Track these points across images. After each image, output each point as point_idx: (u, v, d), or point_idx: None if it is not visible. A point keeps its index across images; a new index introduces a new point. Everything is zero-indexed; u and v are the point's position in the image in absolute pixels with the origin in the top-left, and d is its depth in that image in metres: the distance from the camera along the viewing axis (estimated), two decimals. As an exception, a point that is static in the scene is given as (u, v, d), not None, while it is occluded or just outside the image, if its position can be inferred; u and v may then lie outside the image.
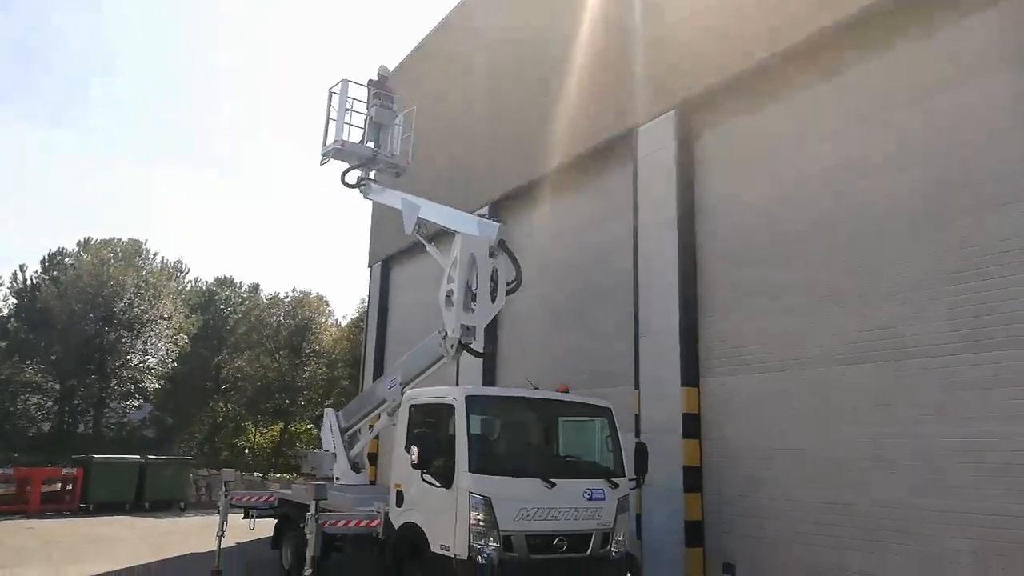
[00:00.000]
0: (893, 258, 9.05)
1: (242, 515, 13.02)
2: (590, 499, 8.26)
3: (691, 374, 11.20)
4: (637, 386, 11.85)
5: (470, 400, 8.15)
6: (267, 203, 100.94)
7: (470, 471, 7.76)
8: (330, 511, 9.19)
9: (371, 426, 12.40)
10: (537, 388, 8.99)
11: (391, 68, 15.25)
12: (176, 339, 27.40)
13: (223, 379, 33.95)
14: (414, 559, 8.36)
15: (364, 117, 14.11)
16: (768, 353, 10.42)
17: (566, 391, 9.29)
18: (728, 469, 10.64)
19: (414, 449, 7.82)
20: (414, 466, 7.88)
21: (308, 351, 31.24)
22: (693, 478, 10.84)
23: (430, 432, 7.97)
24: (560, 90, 14.72)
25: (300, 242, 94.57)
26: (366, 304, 33.13)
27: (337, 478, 12.59)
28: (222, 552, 12.03)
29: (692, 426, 11.01)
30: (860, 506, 8.93)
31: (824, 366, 9.66)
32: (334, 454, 12.90)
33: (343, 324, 34.76)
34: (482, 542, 7.58)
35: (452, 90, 19.41)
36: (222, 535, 12.08)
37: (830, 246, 9.80)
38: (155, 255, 29.51)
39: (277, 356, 31.41)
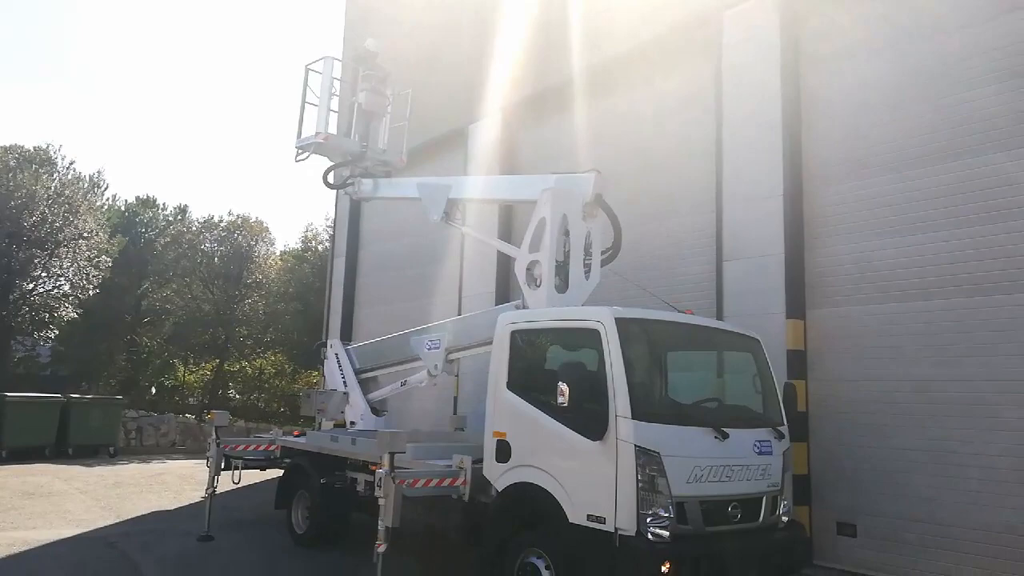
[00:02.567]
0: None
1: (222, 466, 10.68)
2: (759, 453, 6.47)
3: (796, 304, 9.48)
4: (720, 317, 10.07)
5: (622, 324, 6.10)
6: (192, 115, 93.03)
7: (633, 418, 5.77)
8: (402, 468, 7.02)
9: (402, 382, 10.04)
10: (688, 312, 7.02)
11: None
12: (97, 262, 23.75)
13: (144, 311, 30.41)
14: (534, 530, 6.39)
15: (351, 103, 11.40)
16: (893, 279, 8.80)
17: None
18: (842, 415, 9.06)
19: (562, 388, 5.73)
20: (564, 410, 5.82)
21: (249, 281, 28.08)
22: (799, 425, 9.17)
23: (581, 364, 5.90)
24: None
25: (232, 160, 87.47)
26: (321, 229, 30.35)
27: (352, 422, 10.39)
28: (207, 511, 9.70)
29: (798, 365, 9.32)
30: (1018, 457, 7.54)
31: (965, 295, 8.13)
32: (345, 394, 10.64)
33: (286, 252, 31.59)
34: (651, 511, 5.65)
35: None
36: (213, 493, 9.73)
37: (969, 152, 8.21)
38: (70, 164, 25.30)
39: (211, 287, 28.15)
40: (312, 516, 9.29)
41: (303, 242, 30.46)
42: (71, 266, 23.27)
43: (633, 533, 5.61)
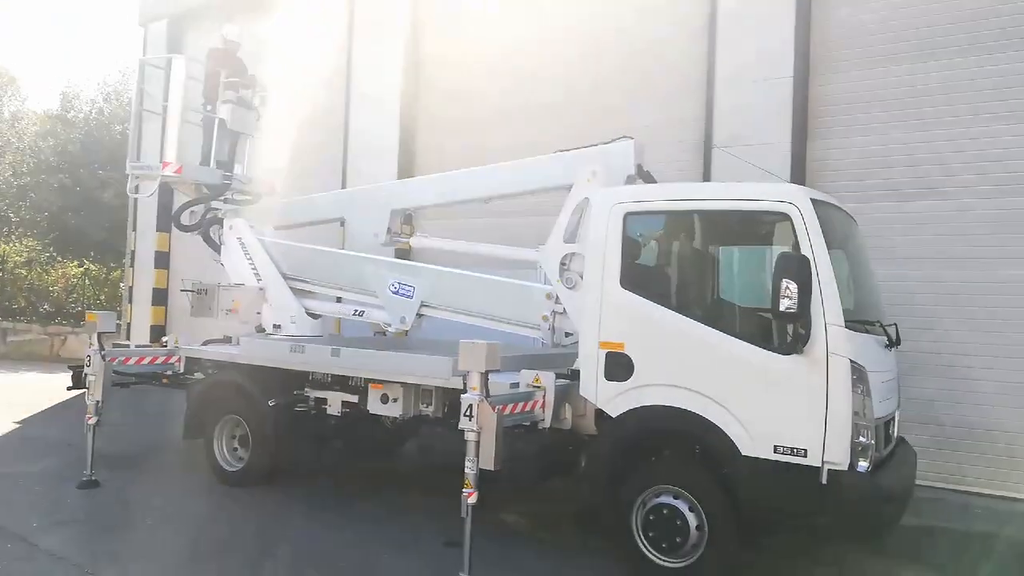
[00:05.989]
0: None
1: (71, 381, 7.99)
2: (895, 363, 5.68)
3: (801, 200, 8.81)
4: (706, 211, 9.14)
5: (820, 209, 4.82)
6: None
7: (845, 326, 4.61)
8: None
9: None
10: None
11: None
12: None
13: None
14: (665, 464, 5.12)
15: (206, 116, 8.77)
16: (898, 176, 8.42)
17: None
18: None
19: (789, 288, 4.34)
20: (782, 317, 4.44)
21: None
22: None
23: (801, 256, 4.51)
24: None
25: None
26: (82, 89, 24.17)
27: (276, 325, 8.08)
28: (90, 448, 7.08)
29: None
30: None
31: (975, 195, 7.94)
32: (261, 289, 8.25)
33: (45, 115, 25.14)
34: (860, 440, 4.62)
35: None
36: (96, 422, 7.09)
37: (999, 38, 7.86)
38: None
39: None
40: (254, 448, 7.09)
41: (63, 101, 24.52)
42: None
43: (845, 467, 4.54)
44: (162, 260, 15.37)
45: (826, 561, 5.72)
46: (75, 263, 25.74)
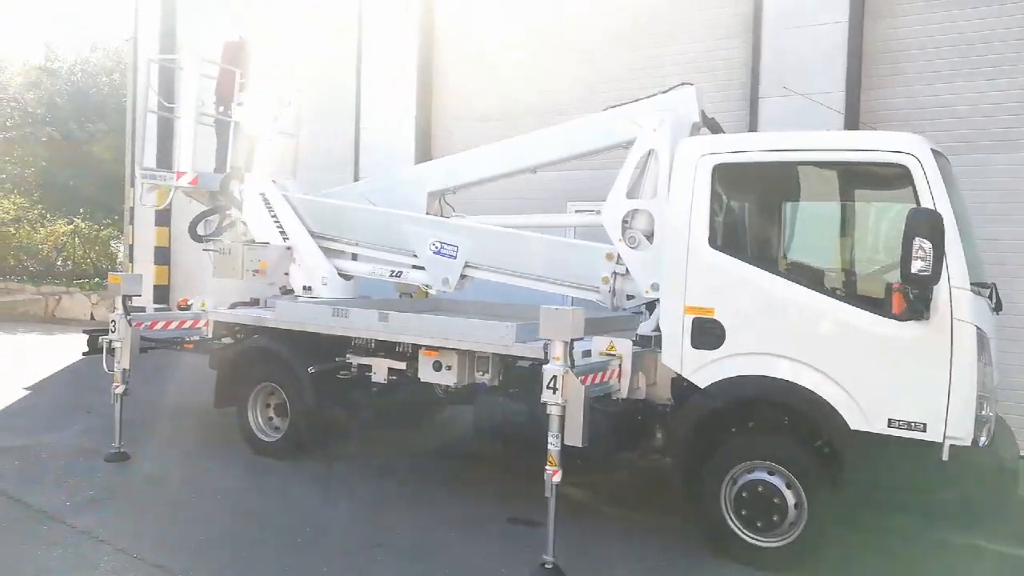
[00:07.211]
0: None
1: (87, 346, 7.54)
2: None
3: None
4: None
5: (939, 160, 4.39)
6: None
7: (970, 288, 4.23)
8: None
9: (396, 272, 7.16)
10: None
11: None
12: None
13: None
14: (757, 437, 4.77)
15: (222, 120, 8.20)
16: (972, 127, 7.98)
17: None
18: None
19: (923, 247, 3.90)
20: (914, 280, 4.01)
21: (-20, 96, 20.91)
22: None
23: (934, 212, 4.06)
24: None
25: None
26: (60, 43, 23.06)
27: (306, 287, 7.64)
28: (117, 417, 6.63)
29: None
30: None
31: None
32: (288, 248, 7.76)
33: (28, 66, 24.02)
34: (984, 413, 4.27)
35: None
36: (124, 392, 6.64)
37: None
38: None
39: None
40: (292, 417, 6.68)
41: (46, 51, 23.41)
42: None
43: (968, 442, 4.19)
44: (163, 217, 14.69)
45: (927, 542, 5.36)
46: (64, 220, 25.03)
